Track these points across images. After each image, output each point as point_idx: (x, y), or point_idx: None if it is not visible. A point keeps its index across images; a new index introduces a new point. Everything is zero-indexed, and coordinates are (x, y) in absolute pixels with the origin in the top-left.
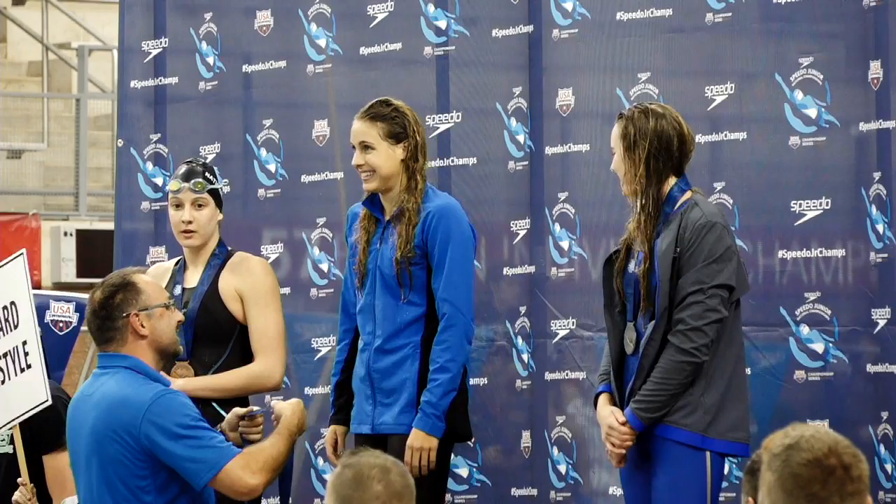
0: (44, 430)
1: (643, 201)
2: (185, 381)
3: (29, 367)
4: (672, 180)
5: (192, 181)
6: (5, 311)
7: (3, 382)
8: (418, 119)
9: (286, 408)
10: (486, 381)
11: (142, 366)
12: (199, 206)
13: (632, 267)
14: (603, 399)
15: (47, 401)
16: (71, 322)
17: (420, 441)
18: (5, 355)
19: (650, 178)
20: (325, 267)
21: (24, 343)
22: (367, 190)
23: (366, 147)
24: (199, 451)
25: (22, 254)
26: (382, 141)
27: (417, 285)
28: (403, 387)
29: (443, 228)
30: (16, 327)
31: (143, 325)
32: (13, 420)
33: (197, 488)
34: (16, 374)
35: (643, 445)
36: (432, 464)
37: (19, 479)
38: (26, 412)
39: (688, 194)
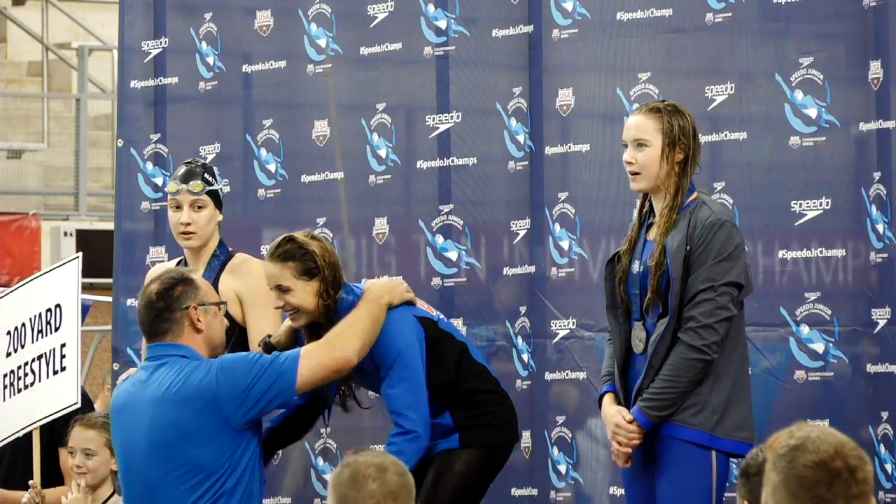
0: (64, 427)
1: (676, 199)
2: None
3: (63, 369)
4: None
5: (191, 183)
6: (48, 314)
7: (32, 384)
8: (328, 249)
9: (375, 282)
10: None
11: (194, 353)
12: (198, 207)
13: (635, 268)
14: (608, 399)
15: (76, 403)
16: None
17: None
18: (39, 357)
19: (684, 177)
20: None
21: (63, 345)
22: (295, 327)
23: (282, 289)
24: (273, 382)
25: (77, 257)
26: (298, 280)
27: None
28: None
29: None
30: (56, 330)
31: (199, 320)
32: (40, 420)
33: (291, 402)
34: (47, 377)
35: (648, 446)
36: None
37: (31, 482)
38: (54, 413)
39: (694, 194)
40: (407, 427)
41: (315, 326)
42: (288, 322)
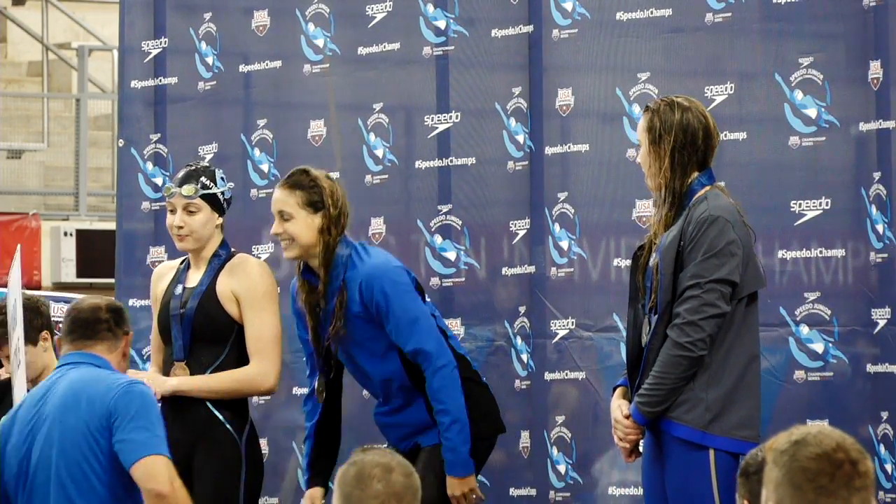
0: None
1: (666, 195)
2: (178, 381)
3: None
4: (695, 174)
5: (184, 187)
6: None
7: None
8: (339, 191)
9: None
10: (486, 381)
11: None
12: (191, 211)
13: (651, 261)
14: (617, 392)
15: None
16: None
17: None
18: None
19: (674, 172)
20: None
21: (19, 338)
22: (286, 258)
23: (284, 216)
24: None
25: (17, 250)
26: (301, 209)
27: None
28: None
29: (377, 291)
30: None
31: (128, 350)
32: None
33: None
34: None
35: (655, 439)
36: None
37: None
38: None
39: (706, 189)
40: (435, 365)
41: (309, 275)
42: None
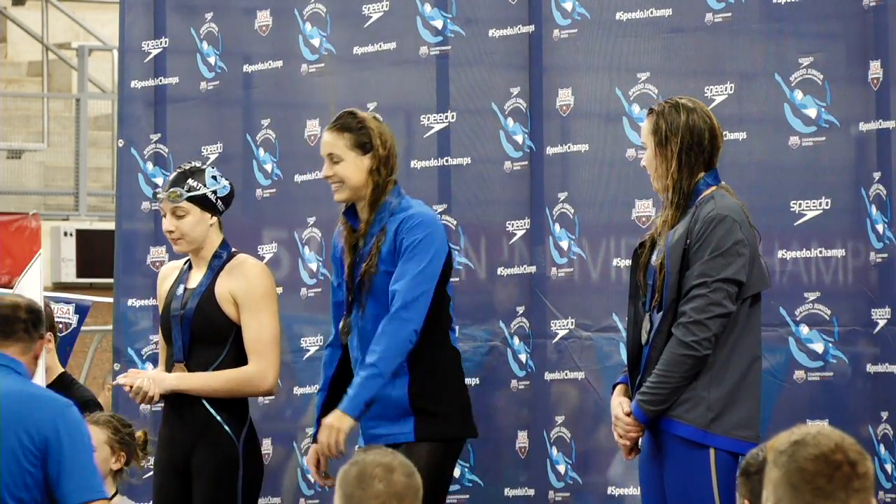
0: None
1: (674, 196)
2: (176, 378)
3: None
4: (701, 175)
5: (170, 191)
6: None
7: None
8: (387, 132)
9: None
10: (480, 381)
11: (28, 375)
12: (179, 215)
13: (654, 259)
14: (617, 390)
15: None
16: (70, 323)
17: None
18: None
19: (682, 173)
20: (314, 266)
21: None
22: (336, 200)
23: (333, 158)
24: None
25: (39, 254)
26: (349, 151)
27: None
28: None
29: (413, 232)
30: None
31: (40, 353)
32: None
33: None
34: None
35: (655, 438)
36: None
37: None
38: None
39: (711, 189)
40: (401, 314)
41: (351, 217)
42: None
